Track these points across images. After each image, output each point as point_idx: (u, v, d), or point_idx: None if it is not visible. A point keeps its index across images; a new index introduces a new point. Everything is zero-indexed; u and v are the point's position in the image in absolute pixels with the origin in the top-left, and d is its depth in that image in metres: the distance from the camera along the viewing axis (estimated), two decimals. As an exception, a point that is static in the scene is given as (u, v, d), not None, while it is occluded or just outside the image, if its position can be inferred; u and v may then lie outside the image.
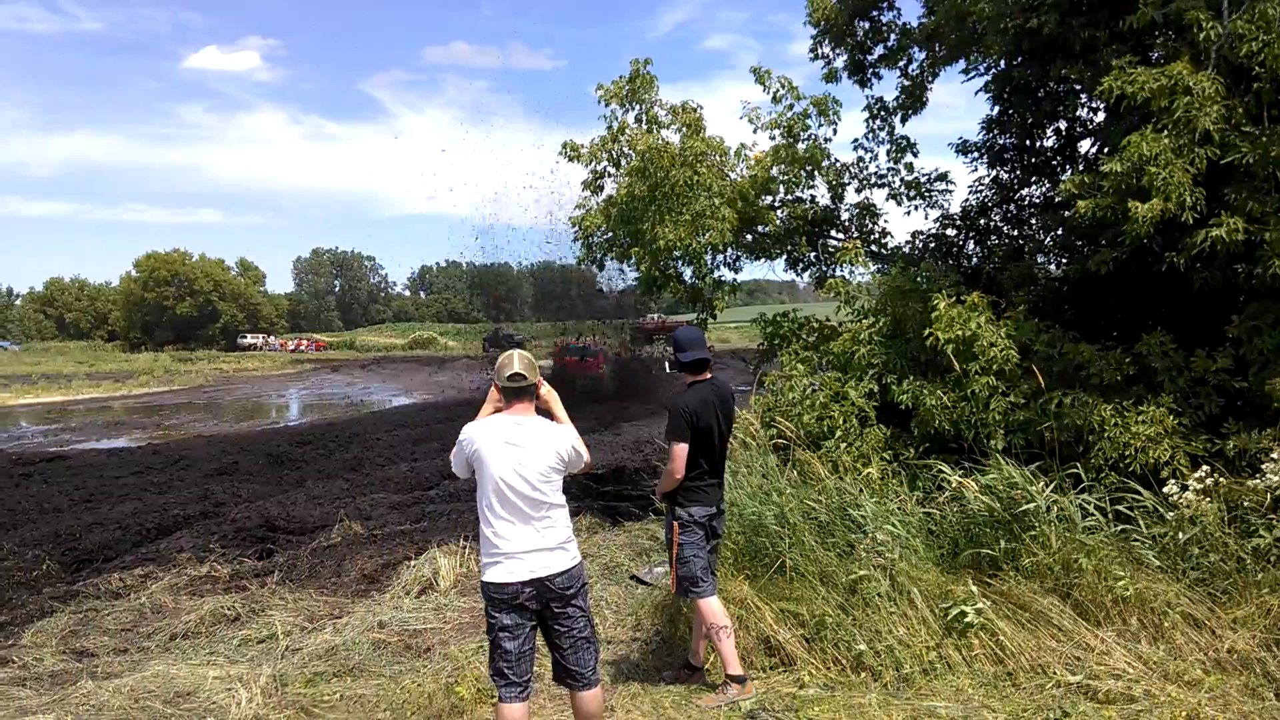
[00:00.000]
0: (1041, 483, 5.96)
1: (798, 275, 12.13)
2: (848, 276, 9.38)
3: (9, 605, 8.13)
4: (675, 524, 5.53)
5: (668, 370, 7.34)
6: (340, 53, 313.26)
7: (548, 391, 4.49)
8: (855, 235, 11.83)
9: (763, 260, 11.89)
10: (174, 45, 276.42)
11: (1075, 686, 4.96)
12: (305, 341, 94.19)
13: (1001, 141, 9.74)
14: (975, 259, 10.65)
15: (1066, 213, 9.24)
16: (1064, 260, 10.29)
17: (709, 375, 5.76)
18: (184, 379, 52.04)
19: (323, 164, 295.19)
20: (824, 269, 12.04)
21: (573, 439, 4.34)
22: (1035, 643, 5.24)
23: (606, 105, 11.15)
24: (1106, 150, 7.05)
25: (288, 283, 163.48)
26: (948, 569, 5.94)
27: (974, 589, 5.44)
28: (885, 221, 11.60)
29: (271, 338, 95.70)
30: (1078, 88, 8.40)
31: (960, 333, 6.80)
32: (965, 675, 5.19)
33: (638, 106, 11.26)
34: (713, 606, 5.46)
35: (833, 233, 12.02)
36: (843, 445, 7.20)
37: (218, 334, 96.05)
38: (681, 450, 5.45)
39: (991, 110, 9.61)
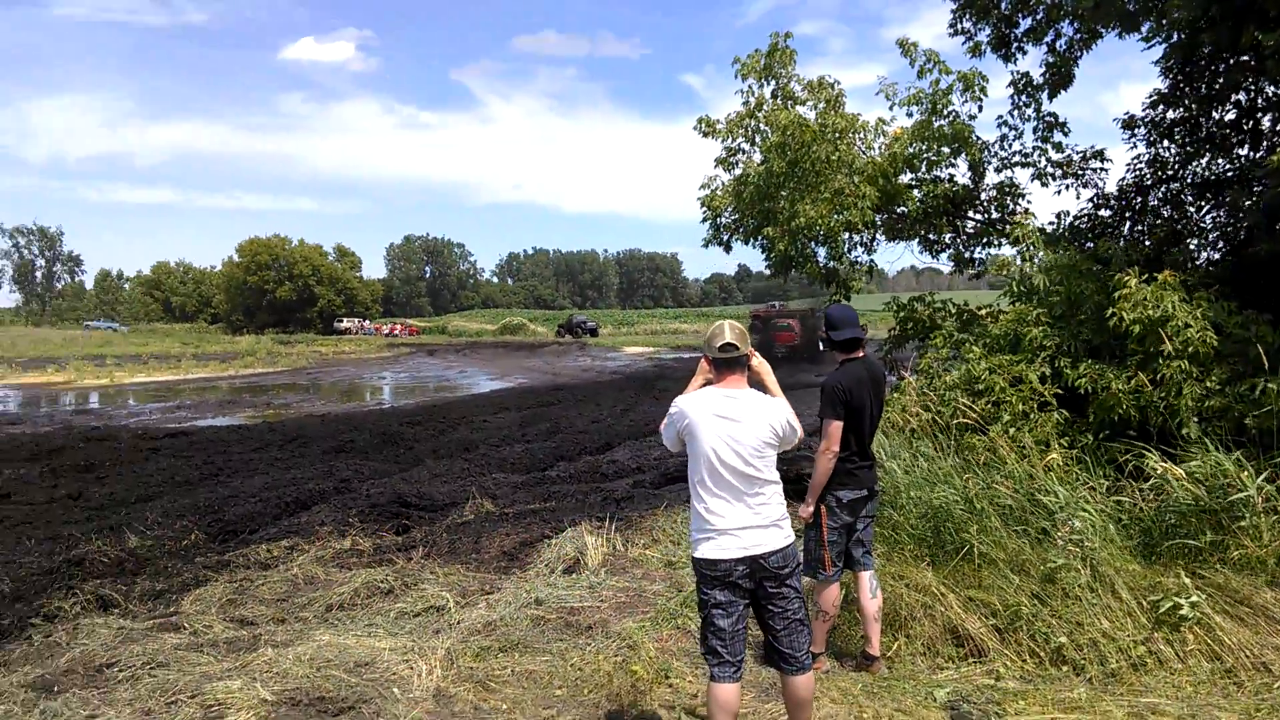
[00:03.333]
0: (1248, 471, 5.59)
1: (933, 257, 11.79)
2: (1016, 256, 8.95)
3: (165, 574, 8.26)
4: (822, 507, 5.39)
5: (821, 349, 7.14)
6: (432, 43, 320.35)
7: (759, 363, 4.31)
8: (995, 215, 11.44)
9: (898, 241, 11.58)
10: (273, 36, 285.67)
11: (1307, 688, 4.62)
12: (400, 326, 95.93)
13: (1171, 116, 9.25)
14: (1127, 241, 10.19)
15: (1231, 191, 8.74)
16: (1221, 245, 9.76)
17: (862, 353, 5.59)
18: (286, 360, 53.31)
19: (415, 152, 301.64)
20: (962, 250, 11.68)
21: (787, 413, 4.15)
22: (1257, 639, 4.90)
23: (743, 80, 10.92)
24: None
25: (380, 269, 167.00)
26: (1145, 560, 5.62)
27: (1186, 580, 5.12)
28: (1028, 202, 11.17)
29: (366, 322, 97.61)
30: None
31: (1150, 313, 6.43)
32: (1180, 672, 4.88)
33: (773, 82, 11.02)
34: (832, 595, 5.46)
35: (970, 213, 11.64)
36: (1011, 430, 6.89)
37: (315, 318, 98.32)
38: (836, 428, 5.30)
39: (1162, 83, 9.13)
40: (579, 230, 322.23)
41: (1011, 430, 6.88)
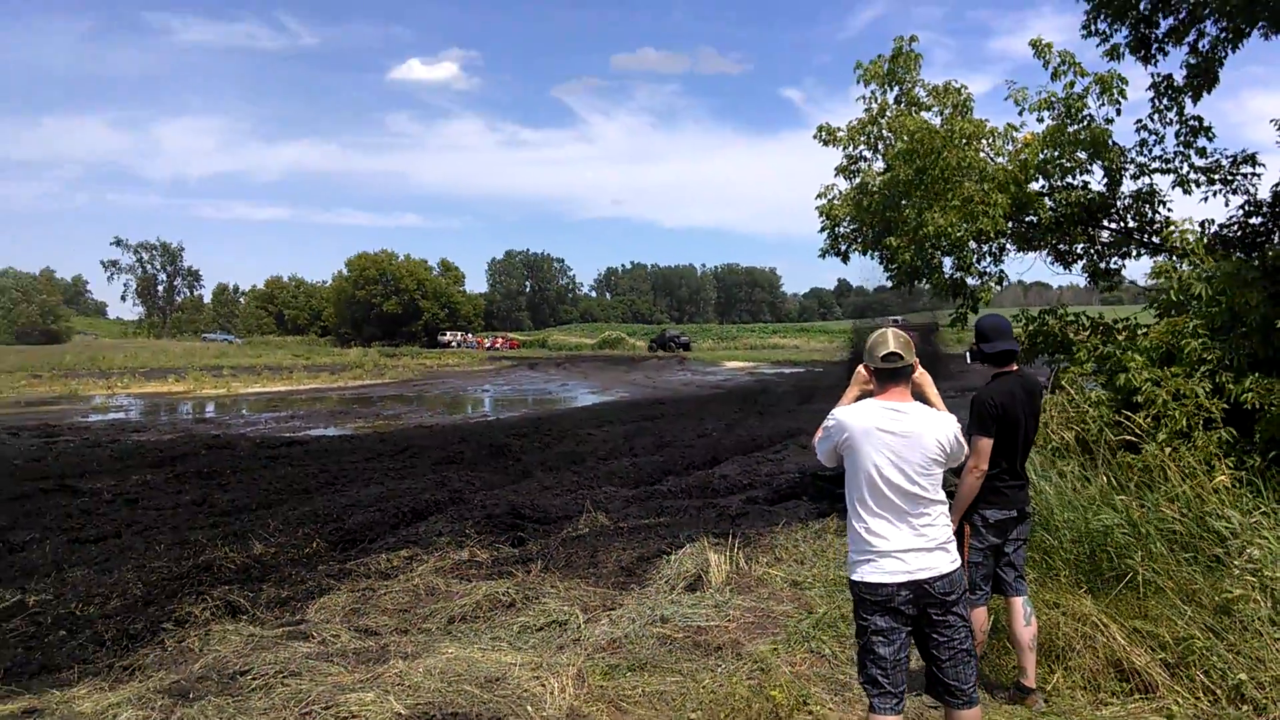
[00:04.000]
0: None
1: (1065, 269, 11.31)
2: (1173, 263, 8.46)
3: (289, 581, 8.33)
4: (966, 525, 5.08)
5: (969, 361, 6.82)
6: (533, 62, 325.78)
7: (921, 374, 4.05)
8: (1133, 225, 10.91)
9: (1028, 252, 11.13)
10: (381, 58, 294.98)
11: None
12: (501, 340, 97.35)
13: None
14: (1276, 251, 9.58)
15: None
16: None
17: (1015, 367, 5.28)
18: (393, 373, 54.45)
19: (517, 169, 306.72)
20: (1096, 261, 11.18)
21: (955, 428, 3.88)
22: None
23: (865, 85, 10.66)
24: None
25: (482, 283, 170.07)
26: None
27: (1386, 618, 4.67)
28: (1169, 210, 10.60)
29: (469, 335, 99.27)
30: None
31: (1329, 325, 5.95)
32: (1381, 718, 4.44)
33: (896, 87, 10.71)
34: (979, 619, 5.10)
35: (1105, 222, 11.11)
36: (1168, 449, 6.45)
37: (420, 331, 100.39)
38: (986, 445, 5.01)
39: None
40: (677, 245, 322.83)
41: (1168, 449, 6.44)
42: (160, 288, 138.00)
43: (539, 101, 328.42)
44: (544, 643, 6.42)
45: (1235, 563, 5.16)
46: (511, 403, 35.59)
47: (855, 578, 3.82)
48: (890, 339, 3.86)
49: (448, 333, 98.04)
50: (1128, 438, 6.62)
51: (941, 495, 3.86)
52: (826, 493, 12.24)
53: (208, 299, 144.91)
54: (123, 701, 5.30)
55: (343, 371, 53.04)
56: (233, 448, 18.97)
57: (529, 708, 4.98)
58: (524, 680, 5.35)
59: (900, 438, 3.76)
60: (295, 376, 48.61)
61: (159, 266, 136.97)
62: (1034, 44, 10.05)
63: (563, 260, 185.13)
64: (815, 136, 11.00)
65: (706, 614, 6.85)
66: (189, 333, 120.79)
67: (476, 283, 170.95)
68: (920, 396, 4.04)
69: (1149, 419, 6.60)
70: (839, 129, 10.97)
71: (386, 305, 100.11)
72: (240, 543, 9.48)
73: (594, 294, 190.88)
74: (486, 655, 5.94)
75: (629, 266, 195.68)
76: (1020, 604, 5.16)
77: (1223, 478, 5.88)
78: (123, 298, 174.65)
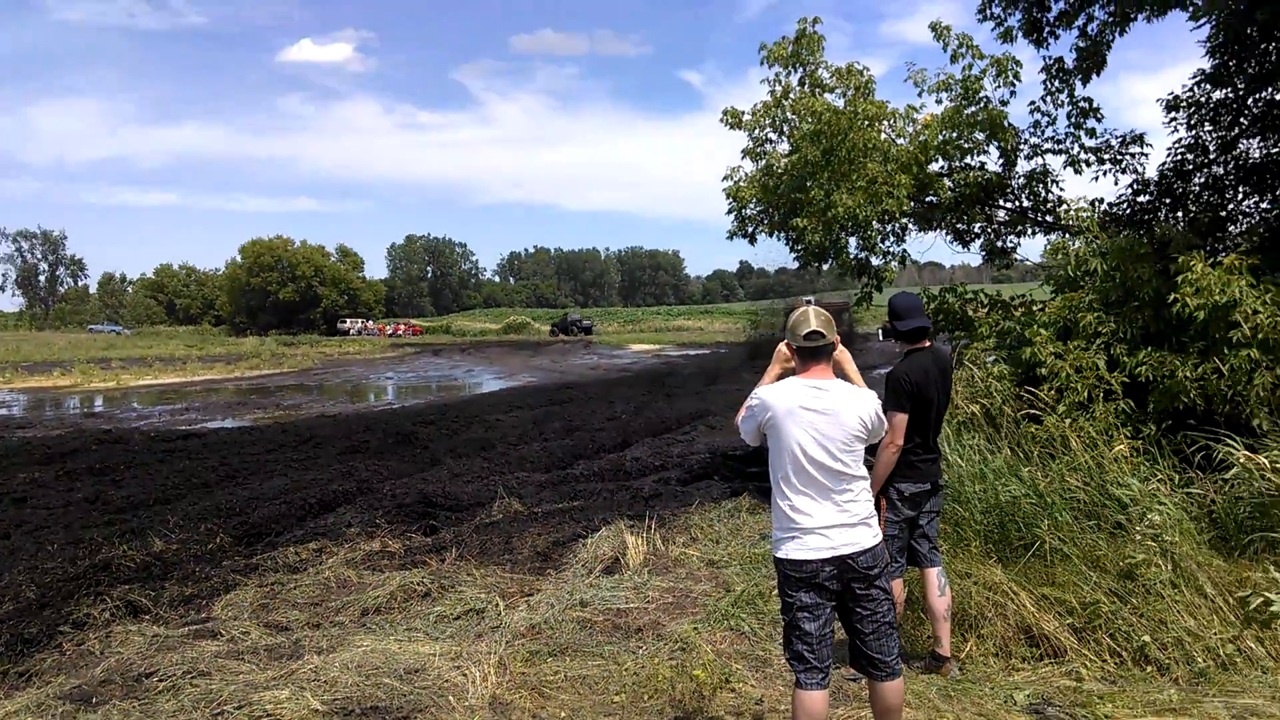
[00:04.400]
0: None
1: (964, 247, 11.59)
2: (1068, 241, 8.73)
3: (193, 578, 8.05)
4: (882, 499, 5.19)
5: (882, 339, 7.00)
6: (431, 42, 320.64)
7: (841, 352, 4.08)
8: (1027, 204, 11.24)
9: (928, 231, 11.38)
10: (272, 38, 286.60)
11: None
12: (403, 326, 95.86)
13: (1217, 96, 9.02)
14: (1164, 228, 9.97)
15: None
16: (1263, 231, 9.53)
17: (928, 344, 5.41)
18: (291, 362, 53.04)
19: (415, 152, 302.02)
20: (993, 240, 11.49)
21: (876, 404, 3.92)
22: (1354, 637, 4.69)
23: (769, 67, 10.73)
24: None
25: (382, 269, 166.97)
26: (1226, 555, 5.41)
27: (1277, 575, 4.90)
28: (1062, 189, 10.94)
29: (369, 322, 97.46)
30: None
31: (1216, 299, 6.20)
32: (1274, 670, 4.66)
33: (801, 69, 10.81)
34: (896, 590, 5.23)
35: (1001, 201, 11.43)
36: (1068, 420, 6.67)
37: (318, 318, 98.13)
38: (901, 421, 5.12)
39: (1206, 62, 8.91)
40: (580, 228, 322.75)
41: (1068, 420, 6.65)
42: (42, 278, 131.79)
43: (437, 83, 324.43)
44: (462, 631, 6.34)
45: (1136, 529, 5.36)
46: (416, 390, 35.05)
47: (780, 555, 3.84)
48: (812, 317, 3.88)
49: (348, 320, 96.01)
50: (1031, 410, 6.82)
51: (863, 471, 3.90)
52: (738, 472, 12.36)
53: (93, 289, 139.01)
54: (21, 709, 5.04)
55: (239, 361, 51.49)
56: (125, 442, 18.24)
57: (450, 698, 4.90)
58: (444, 670, 5.26)
59: (823, 415, 3.79)
60: (189, 368, 46.96)
61: (39, 255, 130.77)
62: (934, 27, 10.25)
63: (465, 245, 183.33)
64: (721, 120, 11.05)
65: (626, 596, 6.84)
66: (74, 324, 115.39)
67: (376, 269, 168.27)
68: (840, 374, 4.07)
69: (1051, 392, 6.81)
70: (744, 112, 11.04)
71: (283, 293, 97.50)
72: (139, 540, 9.12)
73: (497, 279, 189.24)
74: (404, 647, 5.83)
75: (532, 251, 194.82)
76: (935, 575, 5.28)
77: (1121, 447, 6.11)
78: (1, 288, 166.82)
